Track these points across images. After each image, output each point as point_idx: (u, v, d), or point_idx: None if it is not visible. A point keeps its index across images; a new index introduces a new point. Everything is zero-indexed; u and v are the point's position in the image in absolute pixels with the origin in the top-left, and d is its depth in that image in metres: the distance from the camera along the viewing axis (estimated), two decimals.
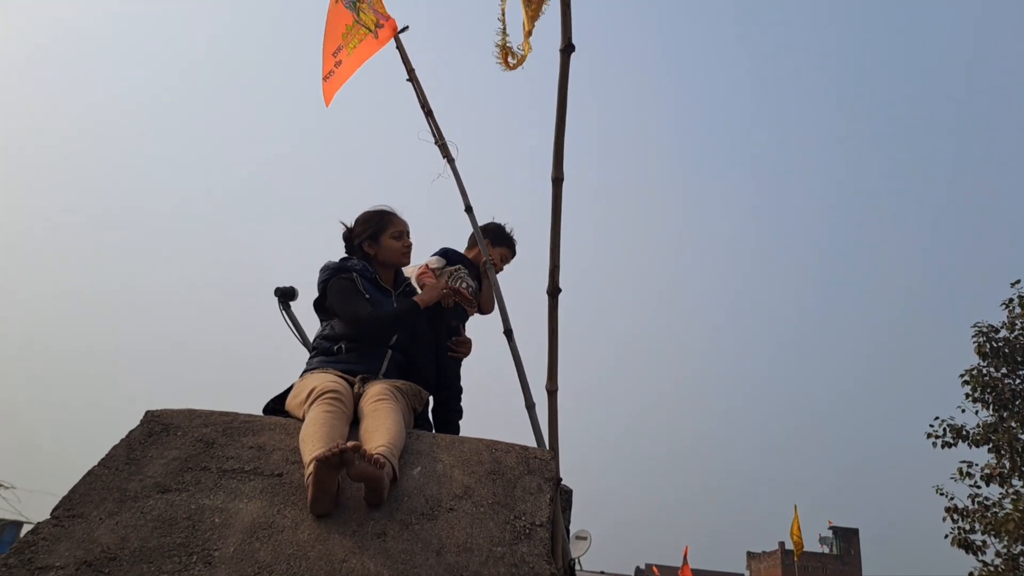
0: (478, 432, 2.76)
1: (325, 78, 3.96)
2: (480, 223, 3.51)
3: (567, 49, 2.38)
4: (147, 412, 2.54)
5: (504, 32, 2.74)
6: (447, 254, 3.49)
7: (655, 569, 41.81)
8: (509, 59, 2.71)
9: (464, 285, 3.38)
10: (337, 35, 3.92)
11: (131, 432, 2.44)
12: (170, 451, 2.35)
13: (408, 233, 3.28)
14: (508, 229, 3.73)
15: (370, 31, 3.74)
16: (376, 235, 3.22)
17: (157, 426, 2.47)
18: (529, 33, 2.58)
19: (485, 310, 3.55)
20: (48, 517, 2.05)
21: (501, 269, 3.62)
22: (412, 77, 3.62)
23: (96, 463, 2.28)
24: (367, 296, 3.01)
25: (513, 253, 3.73)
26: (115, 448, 2.36)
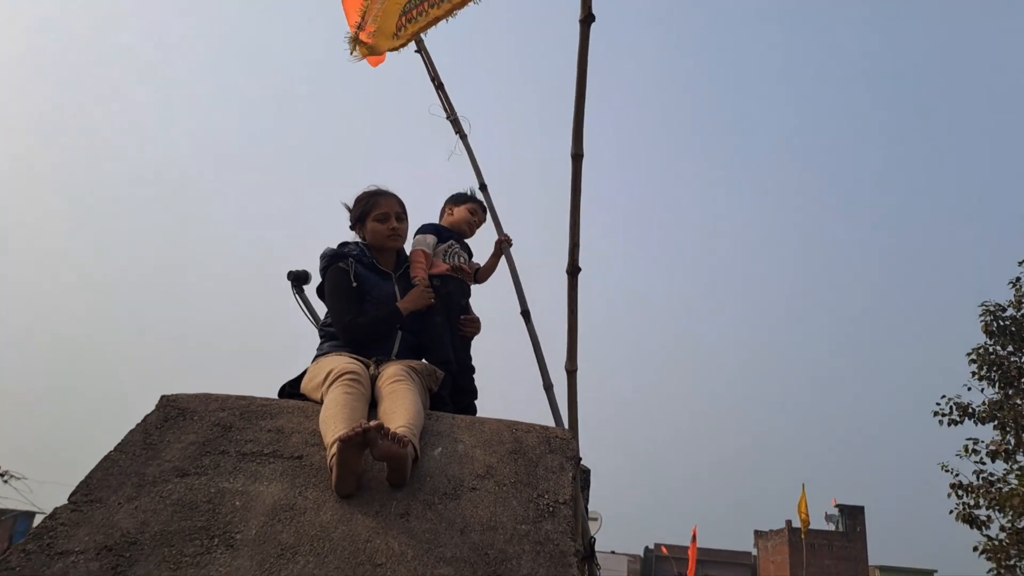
0: (496, 413, 2.73)
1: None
2: (495, 201, 3.47)
3: (587, 19, 2.33)
4: (162, 397, 2.51)
5: (362, 21, 2.86)
6: (437, 230, 3.36)
7: (664, 549, 42.05)
8: (356, 50, 2.81)
9: (463, 260, 3.34)
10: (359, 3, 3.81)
11: (147, 417, 2.41)
12: (187, 435, 2.32)
13: (397, 215, 3.17)
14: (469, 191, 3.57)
15: None
16: (363, 218, 3.16)
17: (173, 411, 2.44)
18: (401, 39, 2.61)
19: (481, 280, 3.51)
20: (66, 502, 2.02)
21: (472, 233, 3.49)
22: (421, 48, 3.56)
23: (112, 448, 2.26)
24: (355, 284, 2.97)
25: (483, 210, 3.54)
26: (131, 433, 2.33)
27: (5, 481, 21.09)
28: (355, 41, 2.94)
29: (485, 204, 3.53)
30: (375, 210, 3.14)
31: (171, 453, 2.24)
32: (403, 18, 2.65)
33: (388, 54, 3.06)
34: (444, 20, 2.57)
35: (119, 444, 2.28)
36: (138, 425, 2.38)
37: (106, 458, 2.22)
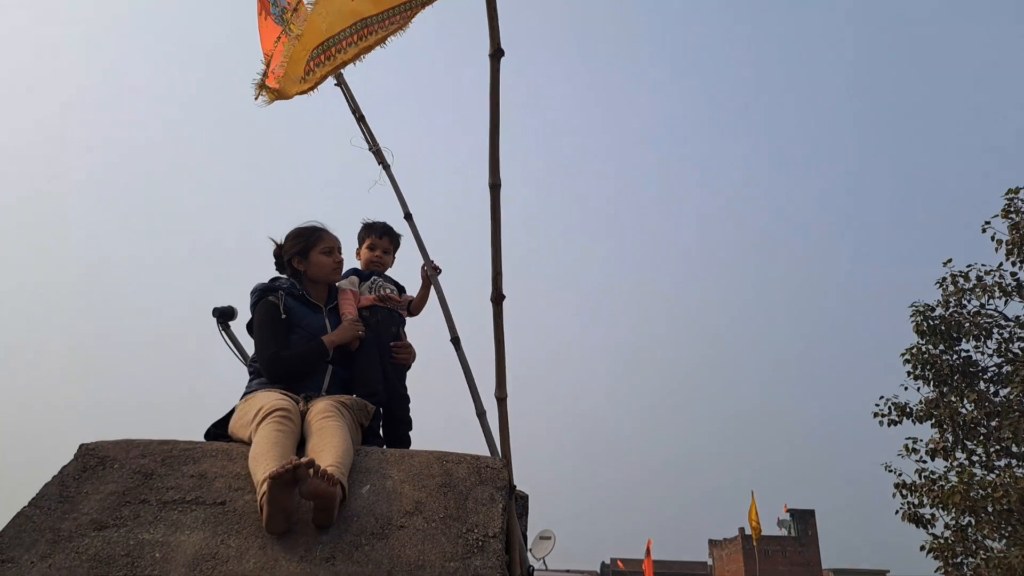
0: (431, 442, 2.73)
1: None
2: (420, 230, 3.46)
3: (496, 54, 2.37)
4: (81, 445, 2.44)
5: (266, 69, 2.94)
6: (356, 272, 3.39)
7: (620, 563, 42.15)
8: (261, 95, 2.91)
9: (388, 290, 3.35)
10: (276, 52, 3.83)
11: (64, 468, 2.34)
12: (107, 485, 2.26)
13: (339, 249, 3.24)
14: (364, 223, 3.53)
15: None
16: (306, 251, 3.18)
17: (92, 459, 2.37)
18: (316, 78, 2.68)
19: (415, 312, 3.50)
20: None
21: (388, 265, 3.47)
22: (340, 81, 3.56)
23: (26, 503, 2.18)
24: (285, 316, 2.96)
25: (385, 235, 3.47)
26: (47, 486, 2.26)
27: None
28: (261, 87, 2.97)
29: (380, 228, 3.48)
30: (320, 243, 3.18)
31: (89, 505, 2.17)
32: (311, 63, 2.68)
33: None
34: (352, 63, 2.61)
35: (33, 498, 2.21)
36: (55, 477, 2.31)
37: (19, 514, 2.14)
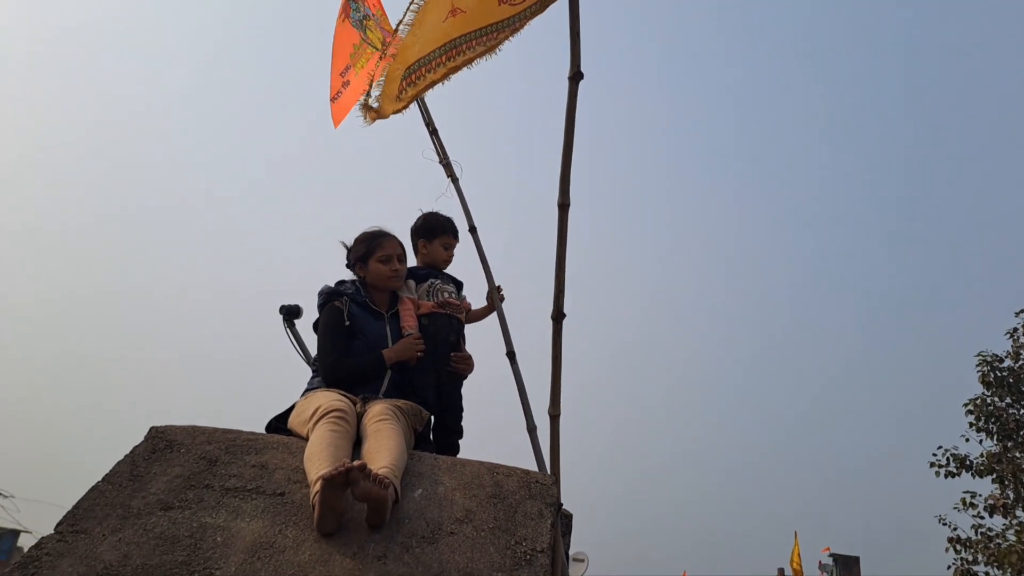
0: (478, 453, 2.76)
1: (333, 99, 4.01)
2: (484, 244, 3.52)
3: (575, 77, 2.42)
4: (151, 428, 2.56)
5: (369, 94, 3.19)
6: (412, 275, 3.39)
7: None
8: (367, 117, 3.08)
9: (448, 294, 3.36)
10: (345, 54, 3.97)
11: (135, 448, 2.46)
12: (173, 468, 2.36)
13: (399, 257, 3.25)
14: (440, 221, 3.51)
15: (377, 50, 3.80)
16: (365, 258, 3.25)
17: (161, 442, 2.48)
18: (403, 101, 2.82)
19: (469, 322, 3.53)
20: (52, 531, 2.06)
21: (451, 258, 3.48)
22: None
23: (100, 479, 2.30)
24: (348, 323, 3.04)
25: (456, 235, 3.49)
26: (119, 464, 2.38)
27: None
28: (365, 108, 3.14)
29: (454, 227, 3.51)
30: (379, 251, 3.24)
31: (157, 485, 2.28)
32: (403, 82, 2.82)
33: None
34: (440, 83, 2.73)
35: (107, 475, 2.33)
36: (126, 456, 2.42)
37: (93, 488, 2.26)
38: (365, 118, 3.19)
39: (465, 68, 2.66)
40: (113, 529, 2.07)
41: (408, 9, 3.00)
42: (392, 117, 3.04)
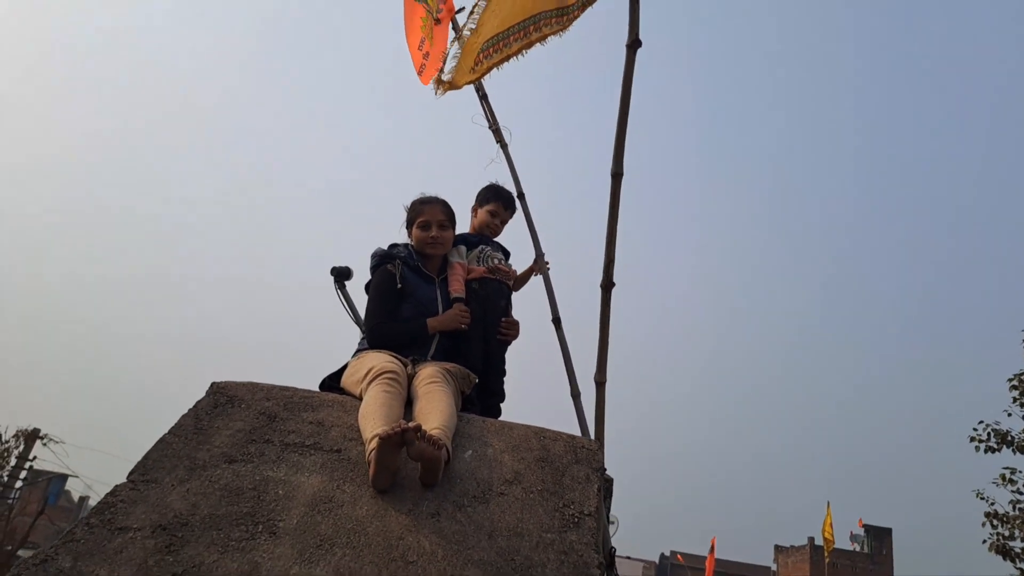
0: (521, 418, 2.82)
1: (419, 72, 4.01)
2: (531, 211, 3.54)
3: (633, 45, 2.40)
4: (213, 383, 2.66)
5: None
6: (464, 240, 3.44)
7: (680, 557, 41.78)
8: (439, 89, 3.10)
9: (498, 260, 3.40)
10: (416, 28, 3.99)
11: (198, 402, 2.56)
12: (235, 423, 2.46)
13: (440, 224, 3.26)
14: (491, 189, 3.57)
15: (433, 16, 3.80)
16: (409, 224, 3.33)
17: (223, 397, 2.58)
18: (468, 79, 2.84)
19: (513, 289, 3.57)
20: (125, 480, 2.17)
21: (499, 232, 3.54)
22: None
23: (167, 431, 2.40)
24: (400, 286, 3.10)
25: (507, 207, 3.54)
26: (184, 417, 2.48)
27: (44, 444, 21.89)
28: (439, 82, 3.20)
29: (508, 199, 3.55)
30: (419, 217, 3.29)
31: (220, 439, 2.38)
32: (481, 55, 2.87)
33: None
34: (516, 57, 2.78)
35: (173, 428, 2.43)
36: (190, 410, 2.53)
37: (161, 440, 2.36)
38: (437, 91, 3.24)
39: (539, 44, 2.69)
40: (181, 479, 2.18)
41: None
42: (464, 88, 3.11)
